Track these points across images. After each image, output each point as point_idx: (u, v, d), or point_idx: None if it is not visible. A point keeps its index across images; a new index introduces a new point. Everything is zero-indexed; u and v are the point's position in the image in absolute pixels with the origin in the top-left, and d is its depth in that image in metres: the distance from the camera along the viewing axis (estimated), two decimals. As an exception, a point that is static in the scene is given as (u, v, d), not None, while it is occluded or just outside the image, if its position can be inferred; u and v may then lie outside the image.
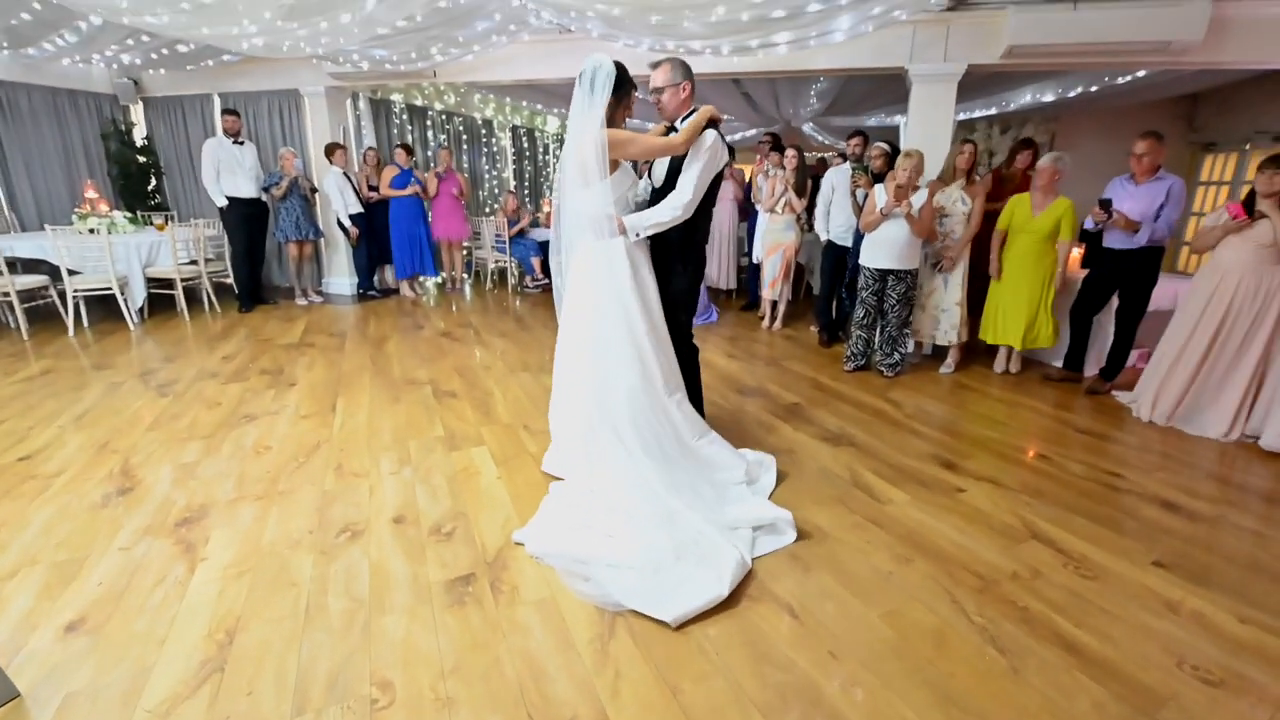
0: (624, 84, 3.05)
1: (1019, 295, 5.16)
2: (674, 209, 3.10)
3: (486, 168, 11.63)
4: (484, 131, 11.50)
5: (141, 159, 8.62)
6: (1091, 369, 5.24)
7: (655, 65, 3.25)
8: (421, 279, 9.06)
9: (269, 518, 3.00)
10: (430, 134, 10.29)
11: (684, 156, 3.14)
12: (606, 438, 3.12)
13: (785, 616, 2.38)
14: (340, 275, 8.64)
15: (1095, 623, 2.38)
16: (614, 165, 3.07)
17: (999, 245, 5.22)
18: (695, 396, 3.58)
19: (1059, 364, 5.43)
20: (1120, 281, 4.83)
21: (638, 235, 3.15)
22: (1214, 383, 4.21)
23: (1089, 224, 4.86)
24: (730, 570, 2.52)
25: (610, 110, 3.02)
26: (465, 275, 9.64)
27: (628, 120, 3.24)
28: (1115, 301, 4.95)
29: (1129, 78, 6.74)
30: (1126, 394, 4.78)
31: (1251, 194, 4.04)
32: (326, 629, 2.27)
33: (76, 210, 7.13)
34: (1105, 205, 4.65)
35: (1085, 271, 5.12)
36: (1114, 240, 4.78)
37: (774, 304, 7.02)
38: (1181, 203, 4.59)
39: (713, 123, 3.15)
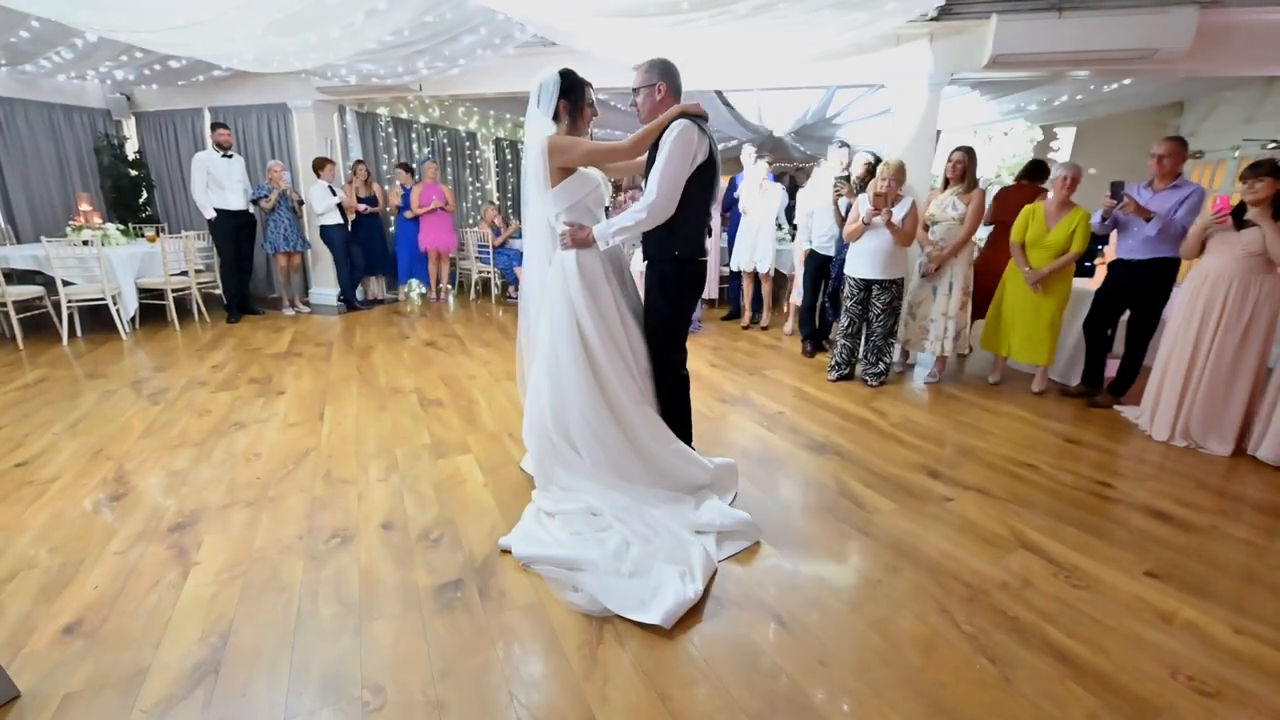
0: (572, 90, 3.04)
1: (1025, 309, 5.05)
2: (638, 212, 2.93)
3: (470, 179, 11.79)
4: (468, 144, 11.63)
5: (133, 172, 8.73)
6: (1077, 381, 5.27)
7: (637, 66, 3.14)
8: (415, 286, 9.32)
9: (260, 523, 3.06)
10: (415, 147, 10.41)
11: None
12: (564, 449, 3.17)
13: (773, 624, 2.40)
14: (326, 286, 8.71)
15: (1087, 633, 2.38)
16: (567, 172, 3.04)
17: (1021, 256, 5.01)
18: (683, 428, 3.41)
19: (1072, 381, 5.39)
20: (1131, 294, 4.75)
21: (607, 243, 3.06)
22: (1218, 398, 4.12)
23: (1096, 219, 4.76)
24: (700, 566, 2.62)
25: (566, 117, 3.06)
26: (449, 285, 9.74)
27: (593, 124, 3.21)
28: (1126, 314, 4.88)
29: (1114, 86, 6.78)
30: (1133, 409, 4.72)
31: (1244, 202, 3.98)
32: (318, 633, 2.31)
33: (71, 222, 7.21)
34: (1116, 189, 4.50)
35: (1090, 282, 5.02)
36: (1126, 250, 4.71)
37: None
38: (1197, 210, 4.43)
39: (694, 116, 2.96)
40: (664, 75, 3.08)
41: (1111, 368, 5.09)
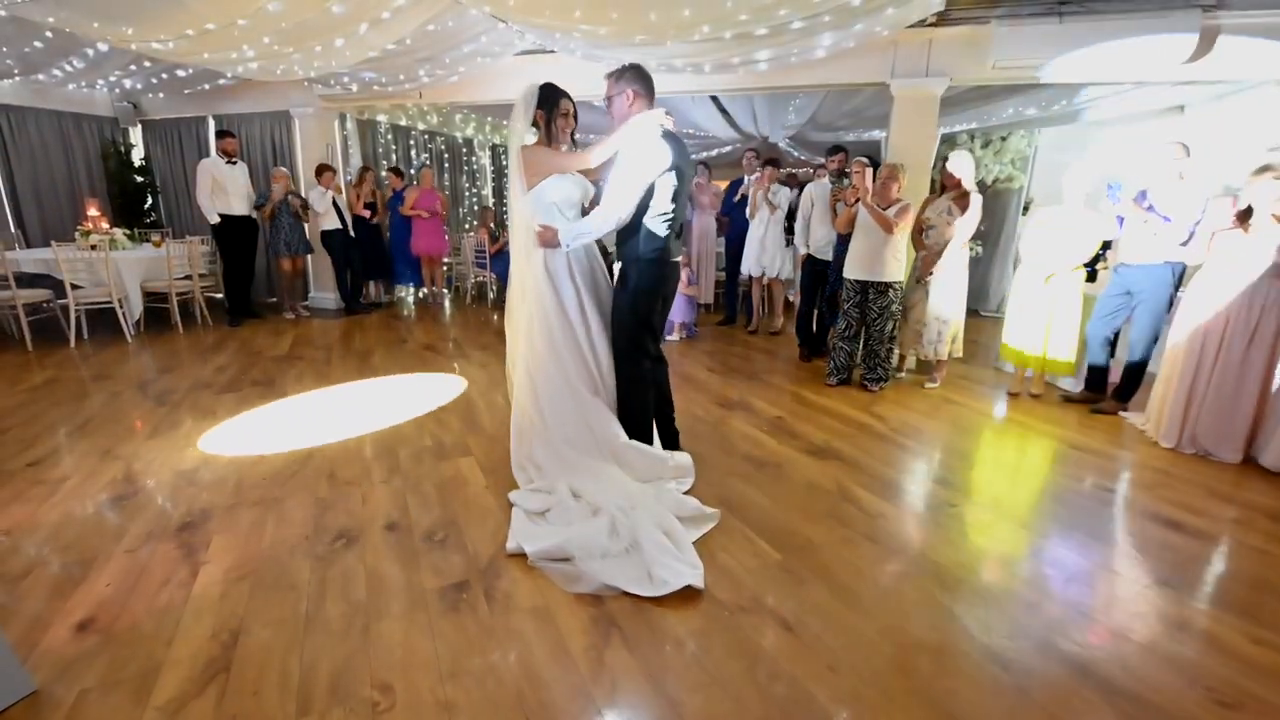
0: (548, 100, 3.26)
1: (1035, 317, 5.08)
2: (593, 219, 3.19)
3: (467, 185, 11.90)
4: (464, 150, 11.74)
5: (138, 178, 8.87)
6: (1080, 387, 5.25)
7: (609, 74, 3.27)
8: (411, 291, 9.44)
9: (266, 524, 3.10)
10: (413, 153, 10.52)
11: None
12: (539, 427, 3.40)
13: (780, 630, 2.39)
14: (325, 290, 8.80)
15: (1102, 641, 2.35)
16: (538, 179, 3.24)
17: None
18: (640, 430, 3.50)
19: (1079, 387, 5.32)
20: (1135, 298, 4.74)
21: (568, 245, 3.23)
22: (1225, 405, 4.06)
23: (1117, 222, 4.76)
24: (681, 537, 2.87)
25: (543, 126, 3.28)
26: (445, 290, 9.82)
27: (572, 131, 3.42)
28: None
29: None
30: (1138, 415, 4.69)
31: (1249, 207, 3.96)
32: (326, 632, 2.34)
33: (79, 227, 7.31)
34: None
35: (1095, 287, 5.03)
36: (1130, 255, 4.71)
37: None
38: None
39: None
40: (635, 81, 3.21)
41: (1115, 373, 5.07)
